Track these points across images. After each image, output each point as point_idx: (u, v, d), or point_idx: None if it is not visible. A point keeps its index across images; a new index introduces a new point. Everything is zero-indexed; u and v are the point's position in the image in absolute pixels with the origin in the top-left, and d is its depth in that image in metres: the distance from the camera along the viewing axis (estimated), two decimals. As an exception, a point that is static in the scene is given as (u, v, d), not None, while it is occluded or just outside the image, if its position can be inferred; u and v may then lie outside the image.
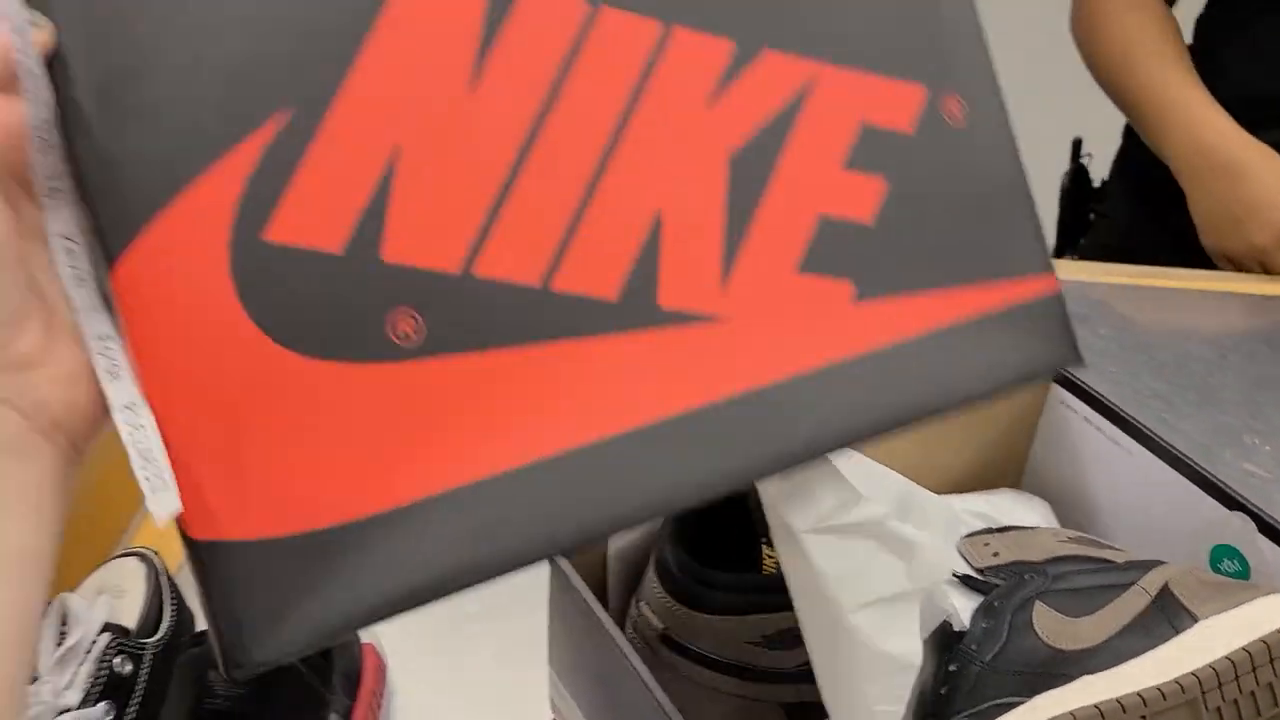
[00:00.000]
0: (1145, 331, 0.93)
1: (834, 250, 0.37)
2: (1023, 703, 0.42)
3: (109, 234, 0.31)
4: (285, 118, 0.32)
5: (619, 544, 0.54)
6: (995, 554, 0.53)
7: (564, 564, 0.51)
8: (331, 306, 0.32)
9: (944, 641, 0.49)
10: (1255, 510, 0.54)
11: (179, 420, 0.31)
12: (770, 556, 0.51)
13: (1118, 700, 0.41)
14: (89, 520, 0.52)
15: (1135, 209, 1.12)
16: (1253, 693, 0.44)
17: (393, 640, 0.61)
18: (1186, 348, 0.91)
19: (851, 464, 0.50)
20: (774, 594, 0.48)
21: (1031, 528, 0.56)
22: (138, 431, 0.31)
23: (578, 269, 0.34)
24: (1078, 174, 1.15)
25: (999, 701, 0.43)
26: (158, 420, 0.31)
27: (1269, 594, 0.47)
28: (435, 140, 0.33)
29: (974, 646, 0.47)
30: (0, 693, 0.29)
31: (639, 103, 0.35)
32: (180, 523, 0.32)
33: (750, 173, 0.36)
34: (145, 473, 0.31)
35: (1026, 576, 0.51)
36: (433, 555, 0.33)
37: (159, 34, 0.32)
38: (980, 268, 0.39)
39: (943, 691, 0.46)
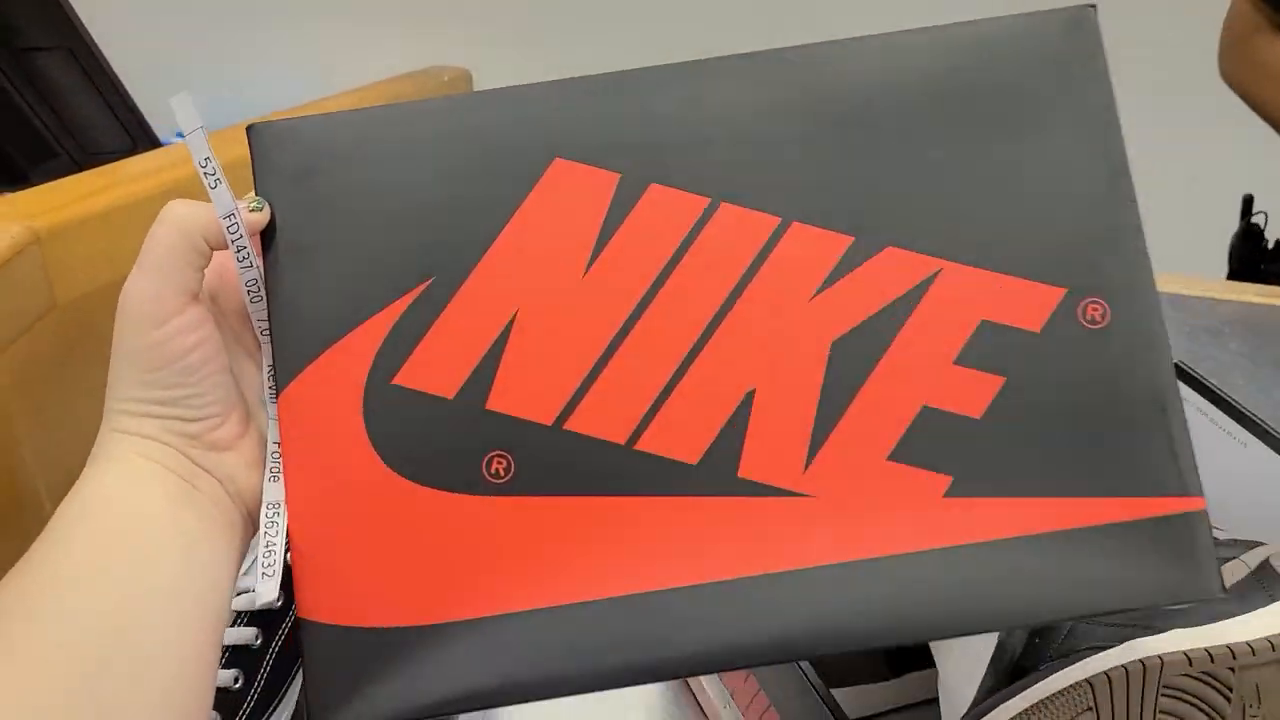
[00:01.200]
0: (1279, 349, 0.92)
1: (932, 443, 0.38)
2: (1105, 646, 0.44)
3: (280, 369, 0.39)
4: (427, 285, 0.39)
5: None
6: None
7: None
8: (438, 442, 0.38)
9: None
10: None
11: (304, 518, 0.38)
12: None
13: (1206, 650, 0.43)
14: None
15: None
16: (1347, 660, 0.45)
17: None
18: (1320, 365, 0.90)
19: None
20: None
21: None
22: (272, 527, 0.38)
23: (662, 433, 0.38)
24: (1248, 232, 1.12)
25: (1091, 646, 0.45)
26: (289, 516, 0.38)
27: (1373, 574, 0.48)
28: (547, 314, 0.39)
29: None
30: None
31: (746, 288, 0.38)
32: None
33: (852, 361, 0.38)
34: (265, 560, 0.38)
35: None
36: (488, 666, 0.37)
37: (340, 216, 0.39)
38: (1100, 479, 0.38)
39: (1036, 640, 0.48)
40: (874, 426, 0.38)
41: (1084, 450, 0.38)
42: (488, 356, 0.39)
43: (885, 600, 0.37)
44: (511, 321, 0.39)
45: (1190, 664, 0.43)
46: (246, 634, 0.54)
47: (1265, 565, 0.50)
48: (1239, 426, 0.61)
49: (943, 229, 0.38)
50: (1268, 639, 0.44)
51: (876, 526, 0.37)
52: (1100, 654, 0.44)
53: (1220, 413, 0.62)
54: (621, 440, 0.38)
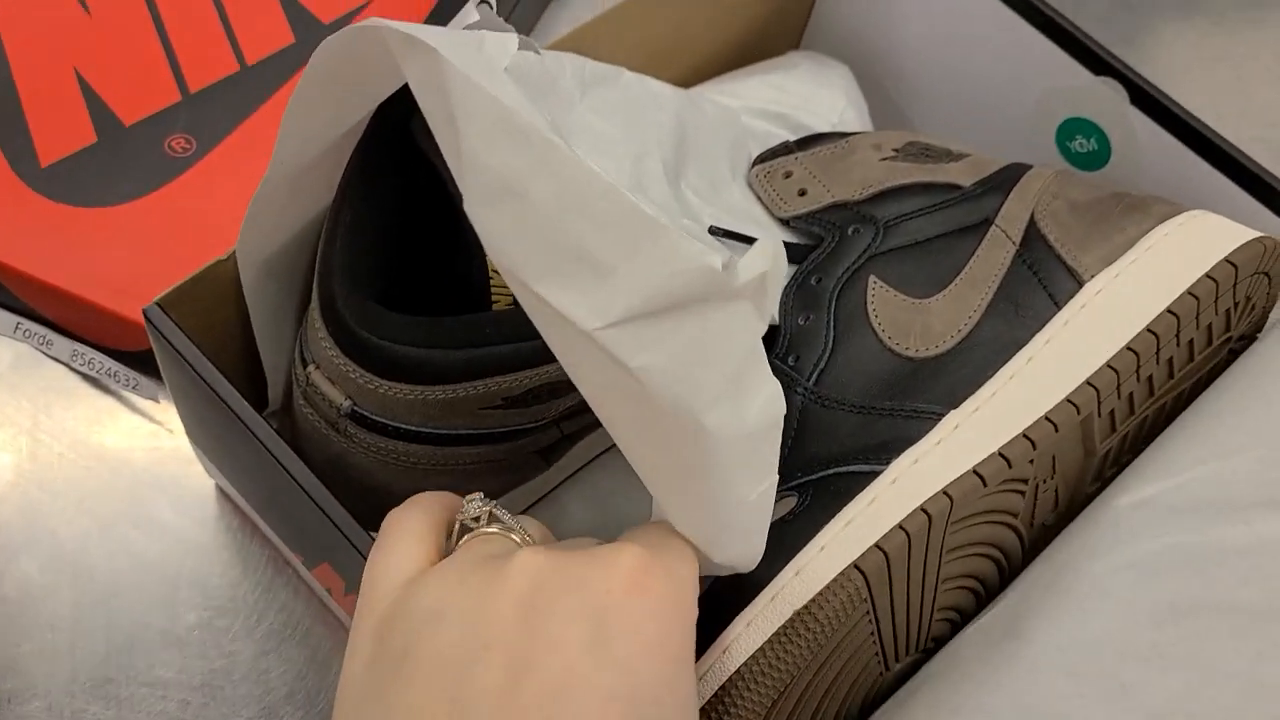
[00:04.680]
0: None
1: None
2: (871, 472, 0.30)
3: None
4: None
5: (258, 262, 0.35)
6: (802, 191, 0.38)
7: (159, 318, 0.33)
8: None
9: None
10: (1130, 75, 0.40)
11: None
12: (503, 286, 0.34)
13: (1000, 453, 0.30)
14: None
15: None
16: (1150, 377, 0.34)
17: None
18: None
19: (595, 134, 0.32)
20: (515, 341, 0.32)
21: (842, 137, 0.40)
22: None
23: None
24: None
25: (839, 470, 0.31)
26: None
27: (1162, 219, 0.35)
28: None
29: (792, 360, 0.34)
30: None
31: None
32: None
33: None
34: None
35: (850, 230, 0.37)
36: None
37: None
38: None
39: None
40: None
41: None
42: None
43: None
44: None
45: (985, 484, 0.29)
46: None
47: (1031, 232, 0.35)
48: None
49: None
50: (1069, 401, 0.31)
51: None
52: (864, 492, 0.30)
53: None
54: None
